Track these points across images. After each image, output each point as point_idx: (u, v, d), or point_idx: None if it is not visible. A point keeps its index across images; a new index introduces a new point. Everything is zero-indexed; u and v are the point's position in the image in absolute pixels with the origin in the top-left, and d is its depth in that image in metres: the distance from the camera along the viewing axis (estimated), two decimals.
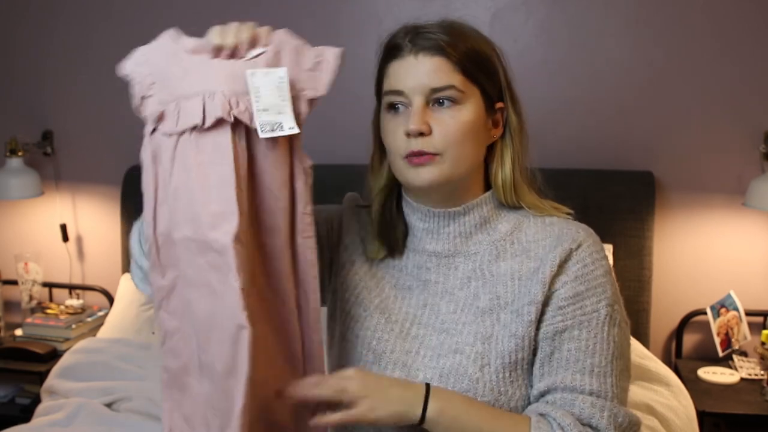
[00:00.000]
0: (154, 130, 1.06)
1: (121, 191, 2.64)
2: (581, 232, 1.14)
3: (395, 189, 1.23)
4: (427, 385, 1.04)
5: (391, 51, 1.14)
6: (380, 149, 1.20)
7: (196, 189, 1.00)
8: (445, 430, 1.03)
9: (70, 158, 2.78)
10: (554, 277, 1.10)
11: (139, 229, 1.15)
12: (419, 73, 1.09)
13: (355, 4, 2.48)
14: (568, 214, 1.20)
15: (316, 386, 1.03)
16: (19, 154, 2.64)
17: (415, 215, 1.20)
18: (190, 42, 1.03)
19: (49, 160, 2.78)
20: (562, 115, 2.38)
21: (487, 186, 1.20)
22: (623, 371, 1.10)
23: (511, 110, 1.17)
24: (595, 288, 1.10)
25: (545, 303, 1.10)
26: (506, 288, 1.13)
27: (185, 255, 1.01)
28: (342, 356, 1.20)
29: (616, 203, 2.27)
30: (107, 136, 2.75)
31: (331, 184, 2.35)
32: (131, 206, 2.62)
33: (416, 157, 1.09)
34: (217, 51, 1.05)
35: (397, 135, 1.11)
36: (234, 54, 1.05)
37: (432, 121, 1.09)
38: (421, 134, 1.09)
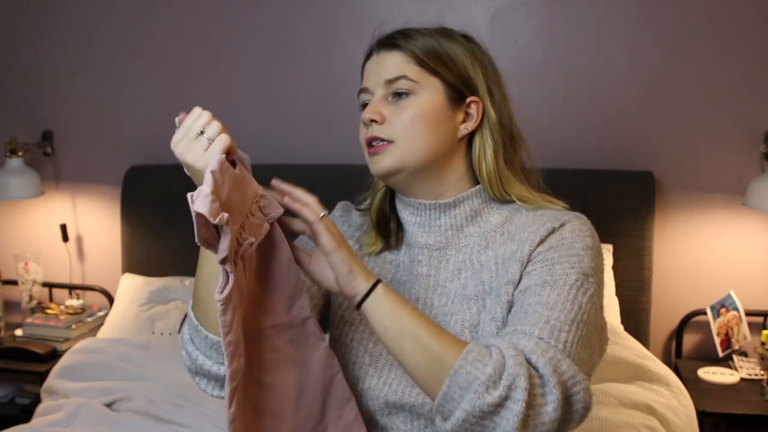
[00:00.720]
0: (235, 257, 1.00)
1: (121, 191, 2.64)
2: (569, 215, 1.15)
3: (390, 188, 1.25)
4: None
5: (366, 54, 1.20)
6: None
7: (267, 282, 1.06)
8: (384, 315, 1.00)
9: (70, 158, 2.78)
10: (531, 253, 1.10)
11: (190, 332, 1.11)
12: (378, 68, 1.16)
13: (355, 4, 2.48)
14: (564, 207, 1.20)
15: (302, 199, 1.04)
16: (19, 154, 2.64)
17: (408, 210, 1.21)
18: (225, 165, 0.95)
19: (49, 160, 2.78)
20: (562, 115, 2.38)
21: (478, 181, 1.21)
22: (584, 340, 1.00)
23: (489, 104, 1.18)
24: (569, 257, 1.07)
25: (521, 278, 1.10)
26: (491, 273, 1.14)
27: (260, 345, 1.06)
28: (338, 360, 1.20)
29: (616, 203, 2.27)
30: (107, 136, 2.75)
31: (329, 184, 2.36)
32: (131, 206, 2.62)
33: (373, 145, 1.14)
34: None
35: (360, 128, 1.17)
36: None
37: (388, 112, 1.14)
38: (374, 122, 1.14)
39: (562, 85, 2.39)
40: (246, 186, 0.99)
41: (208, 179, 0.90)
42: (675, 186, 2.36)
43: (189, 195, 0.88)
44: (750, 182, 2.22)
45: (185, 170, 1.00)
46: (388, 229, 1.24)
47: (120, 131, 2.73)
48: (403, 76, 1.13)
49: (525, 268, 1.09)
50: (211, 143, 0.95)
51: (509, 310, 1.08)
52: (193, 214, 0.87)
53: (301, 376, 1.10)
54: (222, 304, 0.94)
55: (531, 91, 2.39)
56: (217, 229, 0.90)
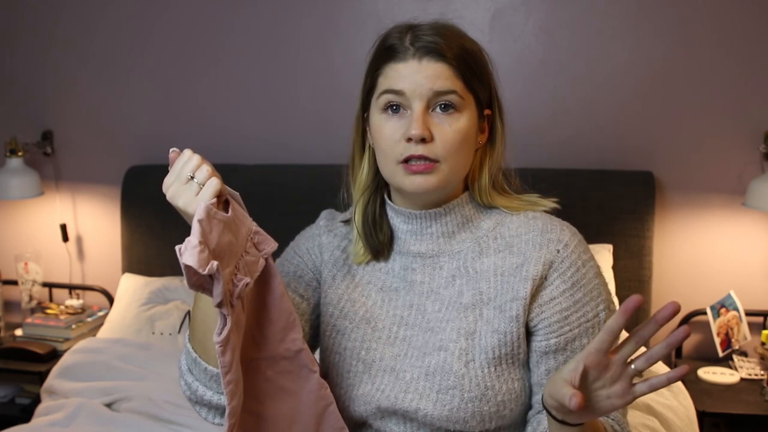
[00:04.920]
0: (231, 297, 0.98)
1: (121, 191, 2.64)
2: (566, 231, 1.15)
3: (378, 191, 1.23)
4: None
5: (388, 51, 1.13)
6: (361, 151, 1.22)
7: (260, 315, 1.06)
8: None
9: (70, 158, 2.78)
10: (544, 278, 1.12)
11: (186, 360, 1.11)
12: (422, 76, 1.10)
13: (355, 4, 2.48)
14: (554, 207, 1.20)
15: None
16: (19, 154, 2.64)
17: (399, 218, 1.21)
18: (217, 212, 0.95)
19: (49, 160, 2.78)
20: (562, 115, 2.38)
21: (466, 186, 1.21)
22: None
23: (498, 118, 1.18)
24: (591, 292, 1.13)
25: (539, 306, 1.12)
26: (489, 284, 1.14)
27: (252, 376, 1.06)
28: (331, 369, 1.21)
29: (616, 203, 2.27)
30: (107, 136, 2.75)
31: (329, 184, 2.36)
32: (131, 206, 2.62)
33: (415, 164, 1.10)
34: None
35: (395, 139, 1.11)
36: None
37: (432, 128, 1.10)
38: (423, 140, 1.09)
39: (562, 85, 2.39)
40: (239, 226, 0.99)
41: (195, 229, 0.90)
42: (675, 186, 2.36)
43: (177, 248, 0.89)
44: (750, 182, 2.22)
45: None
46: (378, 240, 1.21)
47: (120, 131, 2.73)
48: (454, 92, 1.10)
49: (538, 290, 1.11)
50: (201, 188, 0.95)
51: (518, 327, 1.11)
52: (182, 266, 0.88)
53: (293, 406, 1.10)
54: (220, 346, 0.94)
55: (531, 92, 2.39)
56: (211, 275, 0.90)
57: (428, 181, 1.11)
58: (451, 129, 1.10)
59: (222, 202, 0.98)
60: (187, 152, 0.98)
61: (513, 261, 1.14)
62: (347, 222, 1.28)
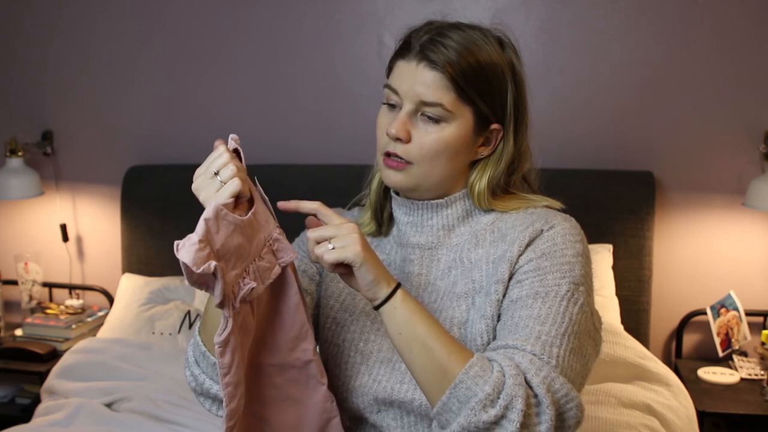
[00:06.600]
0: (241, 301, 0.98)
1: (121, 191, 2.64)
2: (558, 218, 1.15)
3: None
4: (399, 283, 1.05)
5: (402, 47, 1.15)
6: None
7: (273, 321, 1.06)
8: (399, 320, 1.02)
9: (70, 158, 2.78)
10: (520, 256, 1.11)
11: (194, 348, 1.12)
12: (413, 81, 1.11)
13: (355, 4, 2.48)
14: (558, 207, 1.20)
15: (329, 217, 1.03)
16: (19, 154, 2.64)
17: (401, 209, 1.22)
18: (228, 214, 0.94)
19: (49, 160, 2.78)
20: (562, 115, 2.38)
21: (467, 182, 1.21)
22: (576, 352, 1.03)
23: (510, 135, 1.17)
24: (561, 265, 1.08)
25: (510, 279, 1.10)
26: (481, 272, 1.15)
27: (260, 381, 1.07)
28: (330, 360, 1.22)
29: (616, 203, 2.27)
30: (107, 136, 2.75)
31: (327, 184, 2.36)
32: (131, 206, 2.62)
33: (389, 158, 1.14)
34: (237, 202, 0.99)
35: (383, 132, 1.15)
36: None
37: (414, 131, 1.12)
38: (399, 140, 1.12)
39: (562, 85, 2.39)
40: (257, 230, 0.98)
41: (200, 227, 0.90)
42: (675, 186, 2.36)
43: (176, 243, 0.89)
44: (750, 182, 2.22)
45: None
46: (381, 217, 1.25)
47: (120, 131, 2.73)
48: (440, 104, 1.10)
49: (514, 268, 1.10)
50: (223, 185, 0.96)
51: (498, 309, 1.10)
52: (180, 262, 0.88)
53: (298, 414, 1.11)
54: (219, 347, 0.95)
55: (531, 92, 2.37)
56: (214, 273, 0.90)
57: (398, 178, 1.14)
58: (432, 136, 1.11)
59: (247, 203, 0.98)
60: (221, 147, 0.99)
61: (503, 248, 1.14)
62: (363, 207, 1.30)
